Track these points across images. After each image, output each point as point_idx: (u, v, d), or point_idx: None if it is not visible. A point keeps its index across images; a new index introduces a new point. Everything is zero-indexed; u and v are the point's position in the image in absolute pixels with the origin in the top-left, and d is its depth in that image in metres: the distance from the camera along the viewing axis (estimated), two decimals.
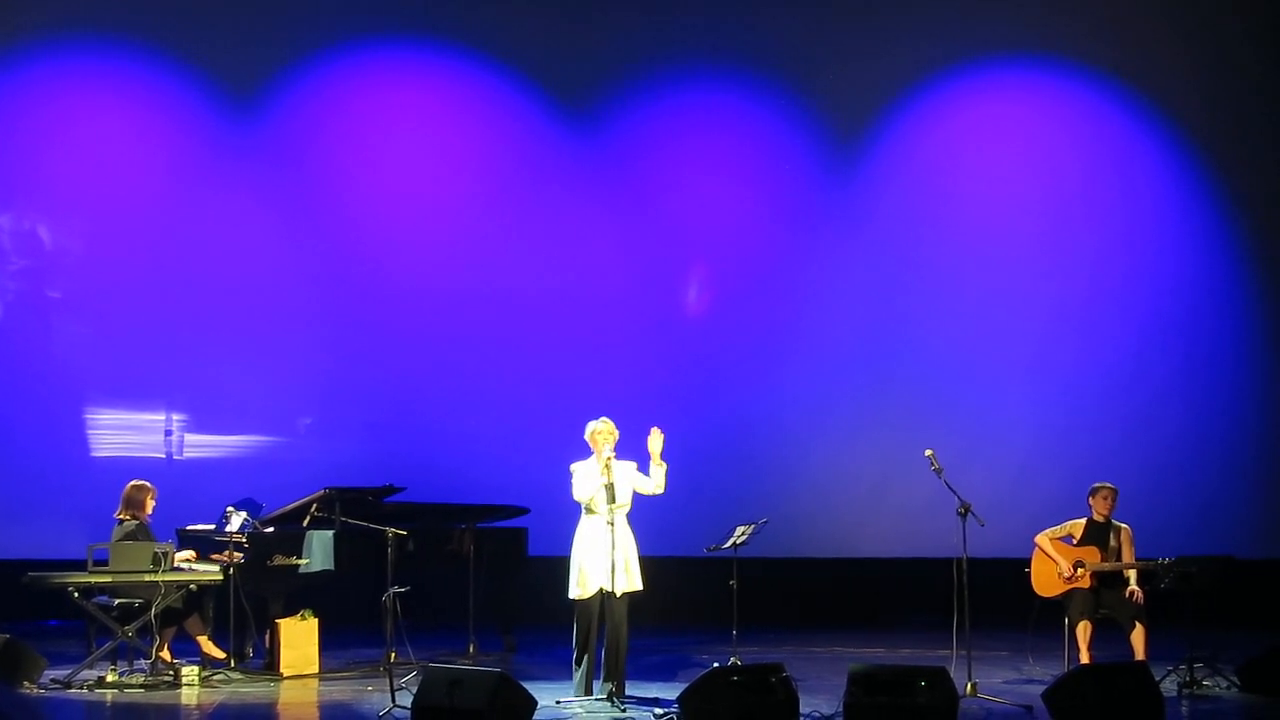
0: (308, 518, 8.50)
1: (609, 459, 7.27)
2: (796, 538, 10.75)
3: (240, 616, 8.04)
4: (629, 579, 7.30)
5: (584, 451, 7.52)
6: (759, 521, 8.31)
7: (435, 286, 10.94)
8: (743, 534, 8.25)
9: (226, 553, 8.10)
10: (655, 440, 7.22)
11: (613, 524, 7.09)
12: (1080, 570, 7.96)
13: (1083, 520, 8.16)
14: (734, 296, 11.20)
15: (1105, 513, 8.03)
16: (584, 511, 7.46)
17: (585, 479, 7.35)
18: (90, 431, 10.30)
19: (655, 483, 7.29)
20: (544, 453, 10.12)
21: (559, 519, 7.88)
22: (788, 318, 11.20)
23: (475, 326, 10.98)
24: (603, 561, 7.19)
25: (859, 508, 10.98)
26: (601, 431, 7.41)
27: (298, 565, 8.28)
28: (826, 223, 11.15)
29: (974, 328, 10.92)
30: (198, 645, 8.28)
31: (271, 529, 8.46)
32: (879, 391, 10.97)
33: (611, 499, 7.16)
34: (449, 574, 9.12)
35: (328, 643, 8.49)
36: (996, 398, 10.84)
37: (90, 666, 7.71)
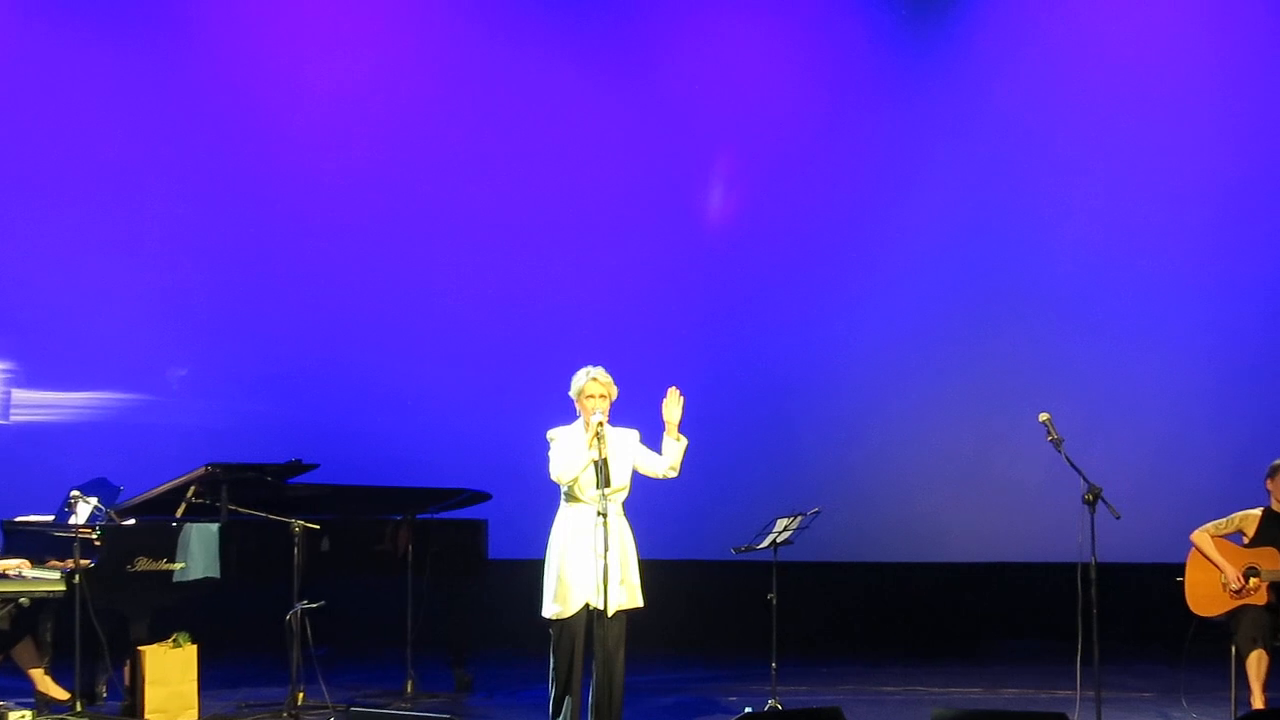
0: (183, 506, 8.48)
1: (601, 425, 7.18)
2: (858, 535, 10.90)
3: (89, 642, 7.92)
4: (626, 592, 7.30)
5: (567, 414, 7.46)
6: (808, 513, 8.37)
7: (364, 190, 11.12)
8: (785, 530, 8.35)
9: (71, 555, 7.93)
10: (673, 404, 7.20)
11: (604, 516, 6.96)
12: (1254, 580, 8.05)
13: (1258, 511, 8.19)
14: (770, 206, 11.33)
15: None
16: (565, 498, 7.44)
17: (568, 452, 7.28)
18: None
19: (668, 461, 7.30)
20: (511, 419, 10.55)
21: (531, 508, 8.01)
22: (845, 240, 11.34)
23: (420, 247, 11.17)
24: (590, 568, 7.14)
25: (943, 496, 11.14)
26: (592, 387, 7.32)
27: (170, 571, 8.22)
28: (897, 105, 11.29)
29: (1097, 262, 11.14)
30: (30, 681, 8.18)
31: (133, 521, 8.35)
32: (971, 345, 11.18)
33: (604, 481, 7.06)
34: (379, 583, 9.19)
35: (211, 678, 8.57)
36: (1129, 354, 11.09)
37: None
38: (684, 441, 7.25)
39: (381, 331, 11.23)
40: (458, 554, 9.27)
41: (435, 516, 9.31)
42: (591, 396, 7.27)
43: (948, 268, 11.33)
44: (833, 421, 11.28)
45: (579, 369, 7.39)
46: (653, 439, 7.44)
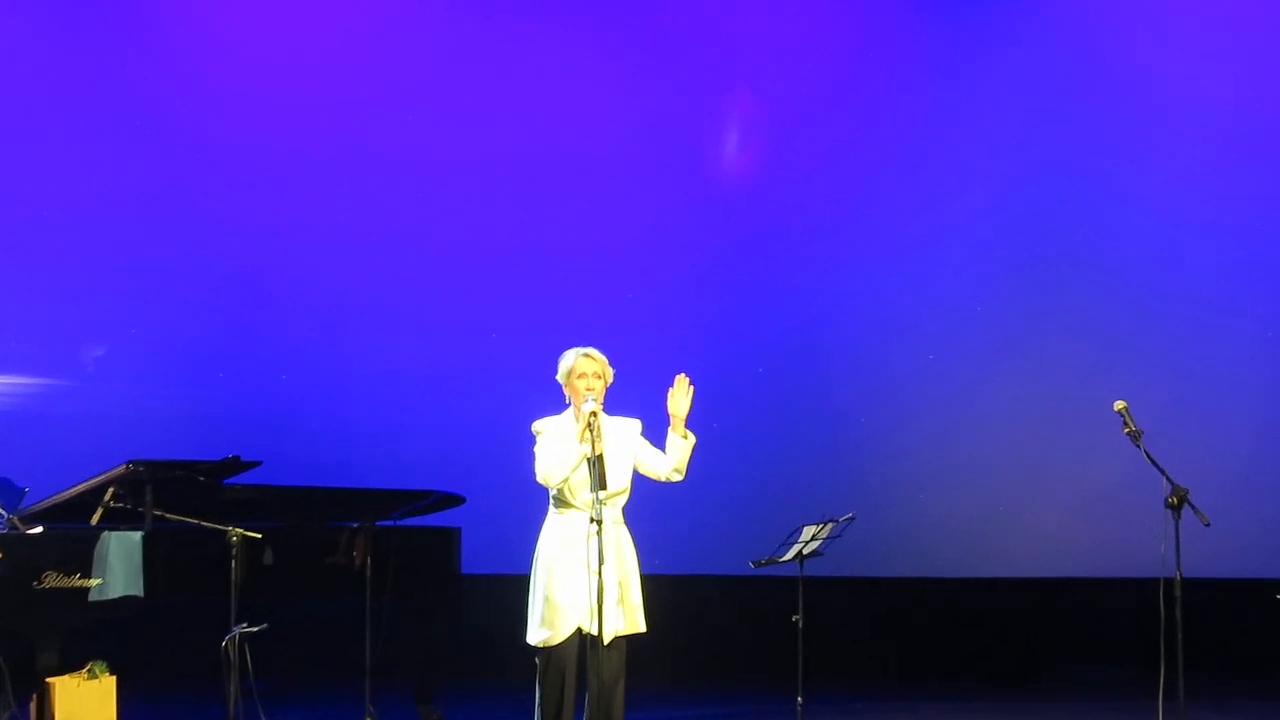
0: (100, 511, 8.43)
1: (595, 415, 7.15)
2: (898, 545, 10.95)
3: None
4: (625, 614, 7.33)
5: (555, 403, 7.48)
6: (840, 519, 8.41)
7: (312, 139, 11.17)
8: (813, 539, 8.39)
9: None
10: (680, 395, 7.23)
11: (600, 524, 6.94)
12: None
13: None
14: (792, 156, 11.31)
15: None
16: (554, 503, 7.44)
17: (556, 447, 7.28)
18: None
19: (673, 461, 7.35)
20: (490, 409, 10.72)
21: (513, 514, 8.12)
22: (879, 199, 11.34)
23: (385, 206, 11.24)
24: (583, 586, 7.18)
25: (999, 498, 11.17)
26: (584, 364, 7.35)
27: (84, 588, 8.11)
28: (943, 31, 11.33)
29: (1180, 221, 11.16)
30: None
31: (40, 529, 8.30)
32: (1030, 320, 11.23)
33: (599, 482, 7.05)
34: (333, 603, 9.28)
35: (133, 714, 8.54)
36: (1220, 330, 11.15)
37: None
38: (692, 439, 7.29)
39: (335, 304, 11.30)
40: (425, 568, 9.27)
41: (399, 524, 9.36)
42: (584, 375, 7.29)
43: (1001, 230, 11.39)
44: (868, 412, 11.35)
45: (567, 349, 7.43)
46: (657, 433, 7.47)
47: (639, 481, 7.52)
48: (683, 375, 7.22)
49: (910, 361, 11.39)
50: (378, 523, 9.21)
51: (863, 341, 11.44)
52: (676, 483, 7.41)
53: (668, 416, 7.30)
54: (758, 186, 11.53)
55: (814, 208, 11.47)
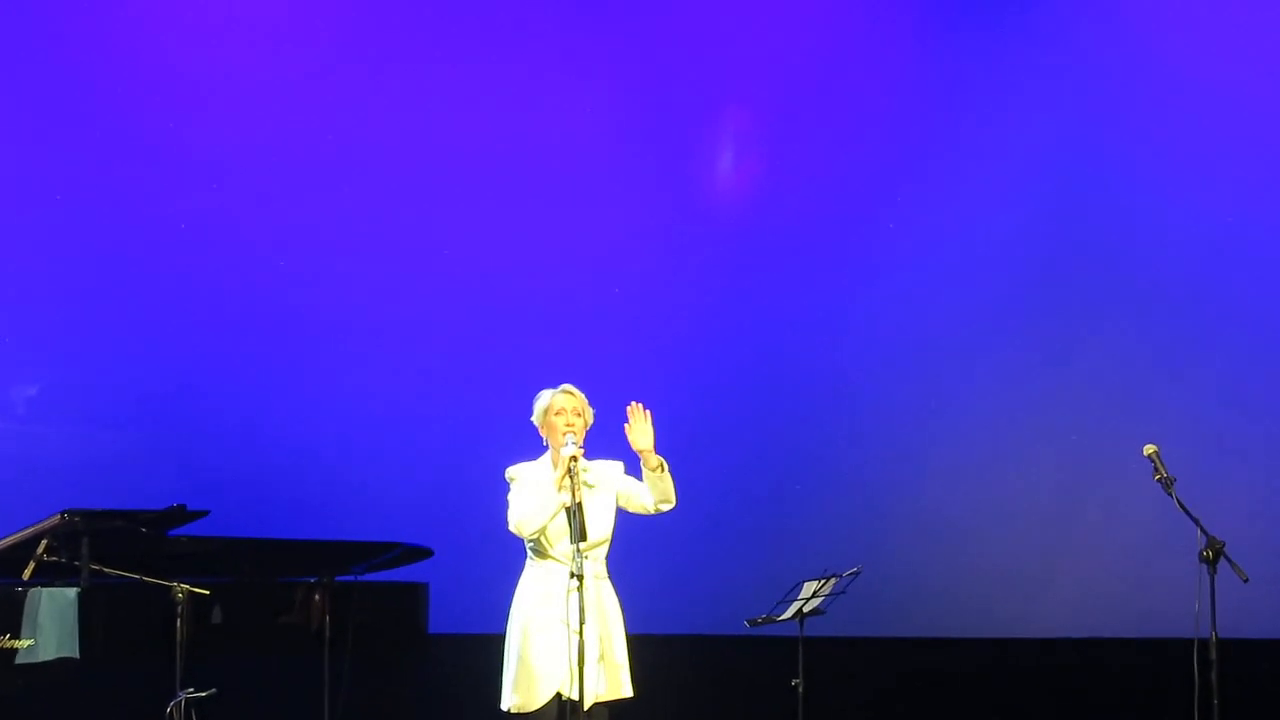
0: (32, 565, 8.40)
1: (575, 459, 7.21)
2: (908, 603, 10.91)
3: None
4: (609, 677, 7.32)
5: (530, 448, 7.52)
6: (845, 573, 8.41)
7: (262, 153, 11.17)
8: (814, 595, 8.41)
9: None
10: (640, 426, 7.22)
11: (580, 578, 7.01)
12: None
13: None
14: (791, 172, 11.32)
15: None
16: (530, 554, 7.47)
17: (533, 495, 7.31)
18: None
19: (657, 493, 7.34)
20: (460, 454, 10.71)
21: (485, 568, 8.12)
22: (886, 217, 11.42)
23: (348, 235, 11.26)
24: (562, 646, 7.18)
25: (1017, 552, 11.17)
26: (562, 400, 7.41)
27: (12, 650, 8.12)
28: (957, 32, 11.39)
29: (1223, 241, 11.15)
30: None
31: None
32: (1053, 354, 11.21)
33: (580, 534, 7.11)
34: (288, 665, 9.20)
35: None
36: (1262, 365, 11.10)
37: None
38: (664, 466, 7.27)
39: (292, 344, 11.30)
40: (389, 627, 9.29)
41: (360, 579, 9.30)
42: (562, 412, 7.33)
43: (1023, 250, 11.39)
44: (874, 456, 11.32)
45: (546, 388, 7.50)
46: (634, 468, 7.56)
47: (624, 531, 7.53)
48: (635, 404, 7.24)
49: (919, 400, 11.40)
50: (337, 578, 9.18)
51: (866, 377, 11.45)
52: (667, 512, 7.44)
53: (637, 453, 7.33)
54: (752, 206, 11.56)
55: (811, 229, 11.49)
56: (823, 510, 11.24)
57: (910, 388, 11.39)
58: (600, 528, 7.38)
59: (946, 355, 11.39)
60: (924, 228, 11.43)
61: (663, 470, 7.26)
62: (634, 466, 7.49)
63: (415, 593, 9.42)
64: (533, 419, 7.47)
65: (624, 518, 7.51)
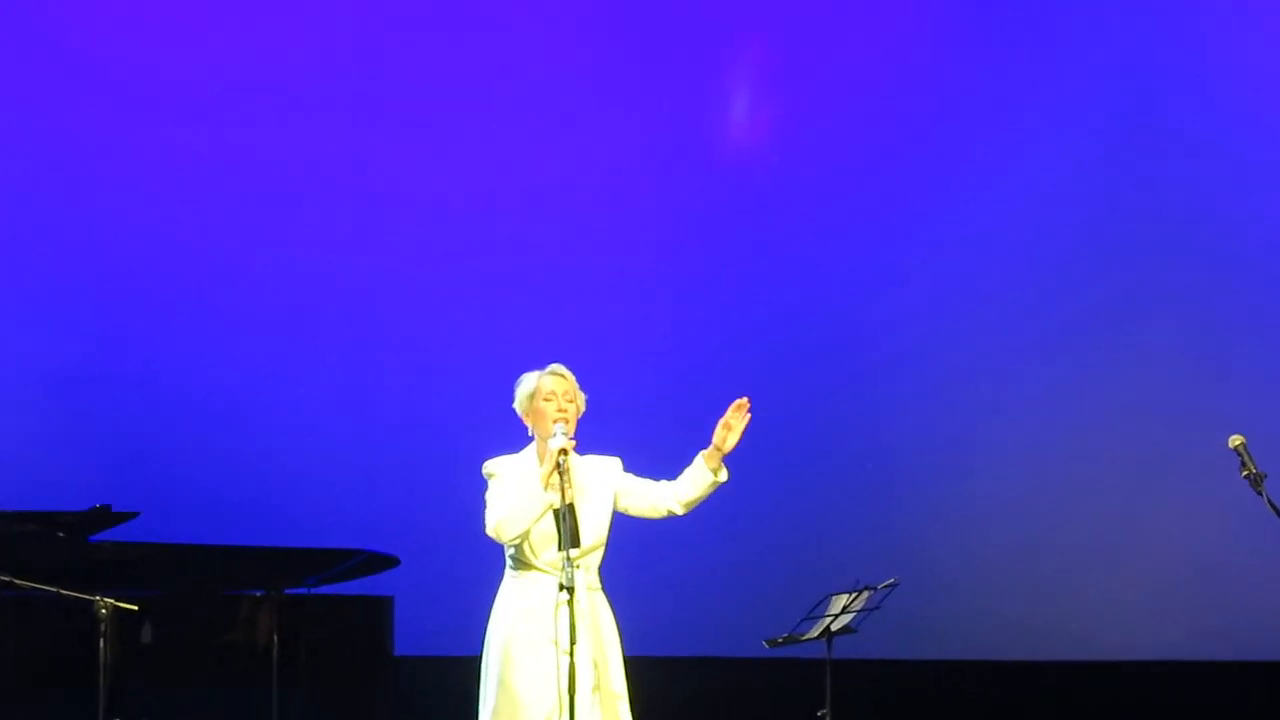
0: None
1: (565, 454, 7.12)
2: (951, 621, 10.97)
3: None
4: (604, 707, 7.23)
5: (514, 438, 7.38)
6: (880, 585, 8.46)
7: (207, 112, 11.38)
8: (844, 611, 8.44)
9: None
10: (737, 421, 7.25)
11: (571, 591, 6.94)
12: None
13: None
14: (817, 123, 11.32)
15: None
16: (511, 564, 7.37)
17: (515, 493, 7.21)
18: None
19: (687, 494, 7.35)
20: (429, 448, 10.77)
21: (459, 580, 8.26)
22: (927, 174, 11.40)
23: (293, 182, 11.40)
24: (550, 669, 7.08)
25: (1080, 562, 11.19)
26: (550, 383, 7.34)
27: None
28: None
29: None
30: None
31: None
32: (1121, 337, 11.24)
33: (572, 539, 7.04)
34: (230, 694, 9.22)
35: None
36: None
37: None
38: (724, 478, 7.29)
39: (235, 313, 11.38)
40: (349, 648, 9.33)
41: (315, 592, 9.34)
42: (551, 397, 7.26)
43: (1081, 213, 11.34)
44: (912, 454, 11.34)
45: (529, 370, 7.40)
46: (647, 464, 7.44)
47: (619, 533, 7.43)
48: (744, 399, 7.24)
49: (963, 390, 11.43)
50: (288, 591, 9.24)
51: (902, 364, 11.48)
52: (678, 516, 7.42)
53: (712, 445, 7.27)
54: (774, 162, 11.52)
55: (840, 187, 11.49)
56: (854, 513, 11.27)
57: (953, 376, 11.43)
58: (594, 532, 7.29)
59: (994, 340, 11.44)
60: (977, 196, 11.46)
61: (717, 476, 7.29)
62: (635, 464, 7.42)
63: (378, 608, 9.49)
64: (515, 406, 7.37)
65: (619, 521, 7.44)
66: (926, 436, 11.42)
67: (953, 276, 11.49)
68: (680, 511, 7.36)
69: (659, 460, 7.48)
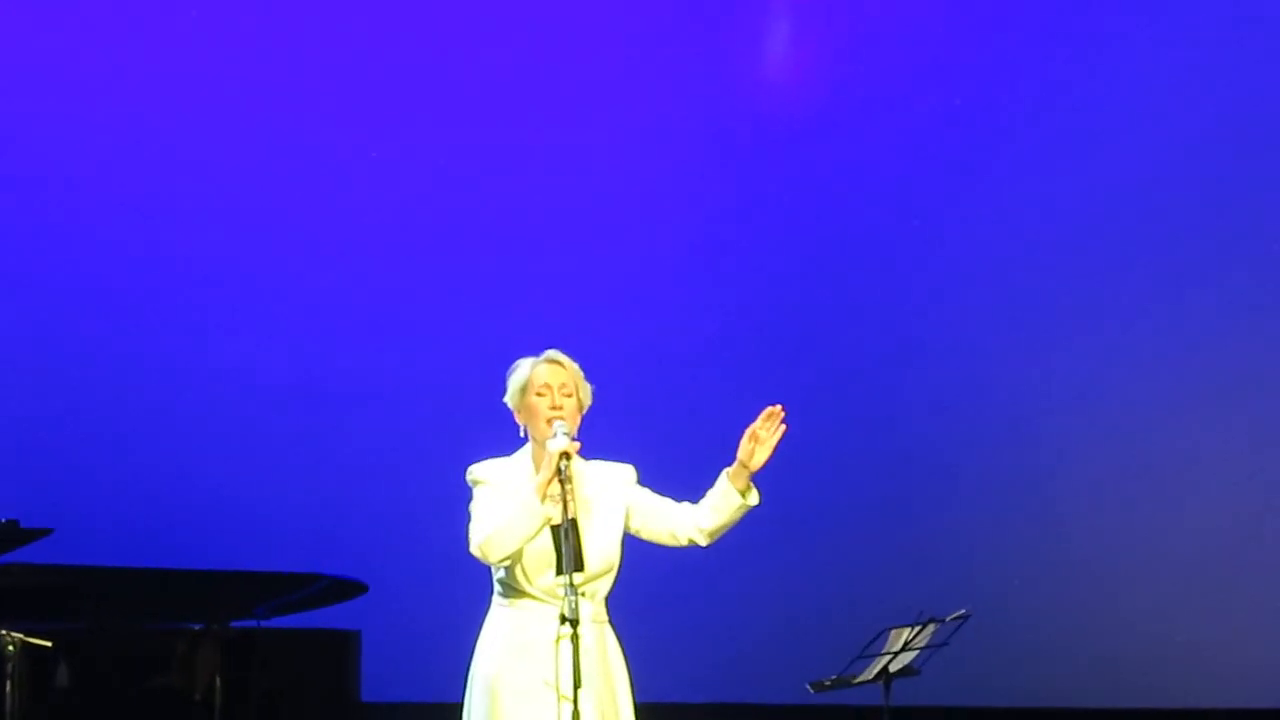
0: None
1: (567, 456, 6.89)
2: (1031, 661, 10.95)
3: None
4: None
5: (504, 440, 7.14)
6: (950, 617, 8.37)
7: (134, 108, 11.49)
8: (904, 647, 8.34)
9: None
10: (766, 435, 7.05)
11: (574, 624, 6.69)
12: None
13: None
14: (864, 68, 11.39)
15: None
16: (498, 590, 7.14)
17: (507, 505, 6.99)
18: None
19: (711, 520, 7.14)
20: (403, 453, 10.68)
21: (439, 611, 8.56)
22: (993, 128, 11.47)
23: (246, 156, 11.45)
24: (548, 716, 6.89)
25: (1189, 596, 11.14)
26: (545, 373, 7.11)
27: None
28: None
29: None
30: None
31: None
32: (1232, 326, 11.25)
33: (575, 561, 6.83)
34: None
35: None
36: None
37: None
38: (754, 501, 7.10)
39: (174, 303, 11.42)
40: (306, 693, 9.22)
41: (267, 625, 9.24)
42: (546, 390, 7.02)
43: (1175, 178, 11.30)
44: (987, 472, 11.27)
45: (524, 356, 7.20)
46: (662, 480, 7.19)
47: (632, 555, 7.21)
48: (776, 407, 7.02)
49: (1043, 409, 11.38)
50: (234, 623, 9.08)
51: (972, 358, 11.41)
52: (701, 547, 7.21)
53: (737, 461, 7.07)
54: (817, 107, 11.48)
55: (899, 142, 11.46)
56: (915, 535, 11.18)
57: (1035, 394, 11.37)
58: (602, 553, 7.02)
59: (1081, 361, 11.37)
60: (1061, 143, 11.41)
61: (746, 499, 7.11)
62: (652, 477, 7.21)
63: (343, 645, 9.35)
64: (506, 400, 7.11)
65: (632, 542, 7.24)
66: (1001, 455, 11.40)
67: (1044, 253, 11.47)
68: (703, 542, 7.18)
69: (678, 471, 7.28)
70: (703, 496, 7.17)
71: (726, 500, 7.07)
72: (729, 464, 7.07)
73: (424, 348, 11.26)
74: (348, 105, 11.73)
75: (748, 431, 7.03)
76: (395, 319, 11.49)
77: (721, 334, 11.47)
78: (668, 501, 7.18)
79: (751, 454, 7.01)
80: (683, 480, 7.31)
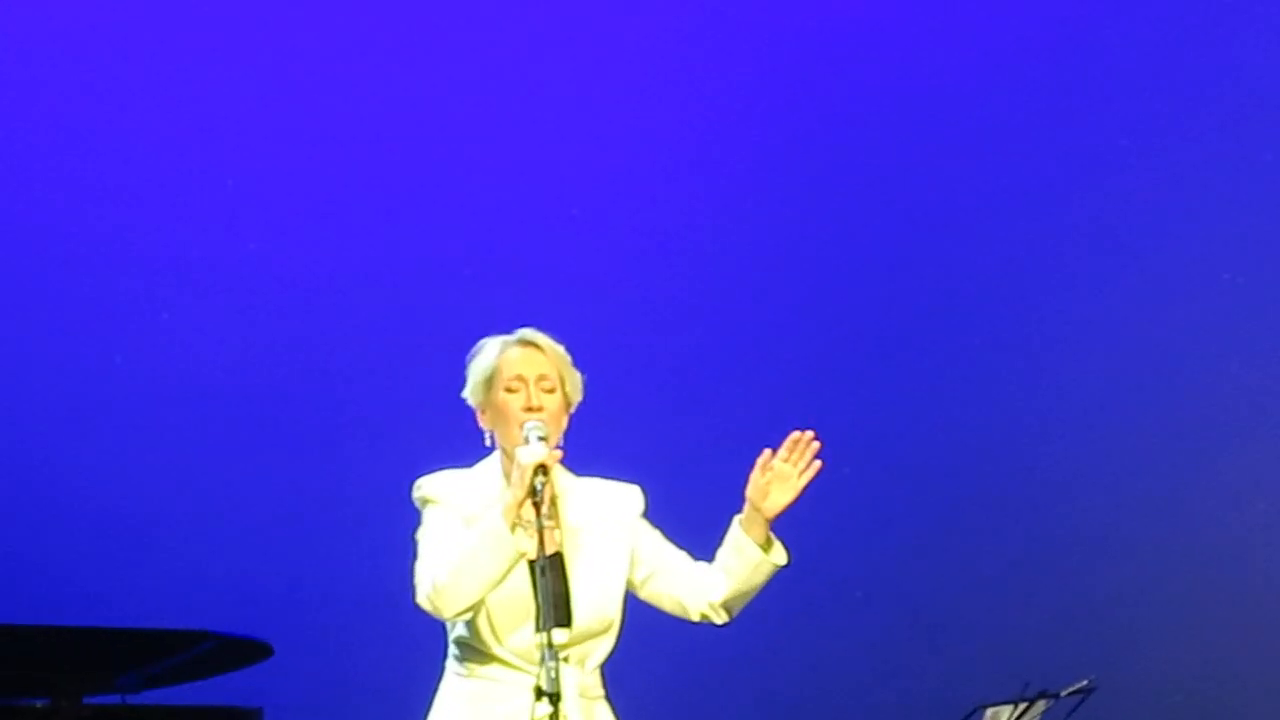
0: None
1: (545, 470, 6.58)
2: None
3: None
4: None
5: (467, 449, 6.95)
6: (1067, 690, 8.08)
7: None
8: None
9: None
10: (785, 477, 6.80)
11: (555, 700, 6.31)
12: None
13: None
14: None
15: None
16: (457, 654, 6.86)
17: (466, 537, 6.72)
18: None
19: (727, 586, 6.89)
20: (319, 470, 10.51)
21: (371, 682, 8.91)
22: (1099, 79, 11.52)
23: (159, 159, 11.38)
24: None
25: None
26: (515, 360, 6.86)
27: None
28: None
29: None
30: None
31: None
32: None
33: (557, 613, 6.57)
34: None
35: None
36: None
37: None
38: (779, 559, 6.82)
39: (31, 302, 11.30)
40: None
41: (134, 702, 8.68)
42: (518, 385, 6.76)
43: None
44: (1102, 493, 10.96)
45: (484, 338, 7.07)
46: (687, 528, 6.99)
47: (636, 619, 7.04)
48: (806, 435, 6.78)
49: (1185, 411, 11.17)
50: (88, 698, 8.54)
51: (1087, 376, 11.22)
52: (719, 626, 7.02)
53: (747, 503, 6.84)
54: (845, 48, 11.44)
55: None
56: (1015, 585, 10.83)
57: (1171, 391, 11.15)
58: (597, 604, 6.73)
59: (1225, 361, 11.23)
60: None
61: (769, 554, 6.81)
62: (670, 511, 7.03)
63: None
64: (466, 394, 6.85)
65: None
66: (1130, 464, 11.12)
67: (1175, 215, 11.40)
68: (719, 619, 7.01)
69: (699, 502, 7.07)
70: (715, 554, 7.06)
71: (742, 557, 6.79)
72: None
73: (360, 337, 10.99)
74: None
75: (759, 462, 6.75)
76: (326, 314, 11.14)
77: (757, 316, 11.21)
78: (682, 556, 6.91)
79: (765, 493, 6.72)
80: (703, 518, 6.96)
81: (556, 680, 6.16)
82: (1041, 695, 8.07)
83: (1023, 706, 8.05)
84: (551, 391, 6.70)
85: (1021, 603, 10.87)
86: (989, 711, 8.04)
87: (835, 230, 11.59)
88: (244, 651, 8.55)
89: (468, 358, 6.85)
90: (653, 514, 6.96)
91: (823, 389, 11.13)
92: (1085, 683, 8.12)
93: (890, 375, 11.34)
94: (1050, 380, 11.39)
